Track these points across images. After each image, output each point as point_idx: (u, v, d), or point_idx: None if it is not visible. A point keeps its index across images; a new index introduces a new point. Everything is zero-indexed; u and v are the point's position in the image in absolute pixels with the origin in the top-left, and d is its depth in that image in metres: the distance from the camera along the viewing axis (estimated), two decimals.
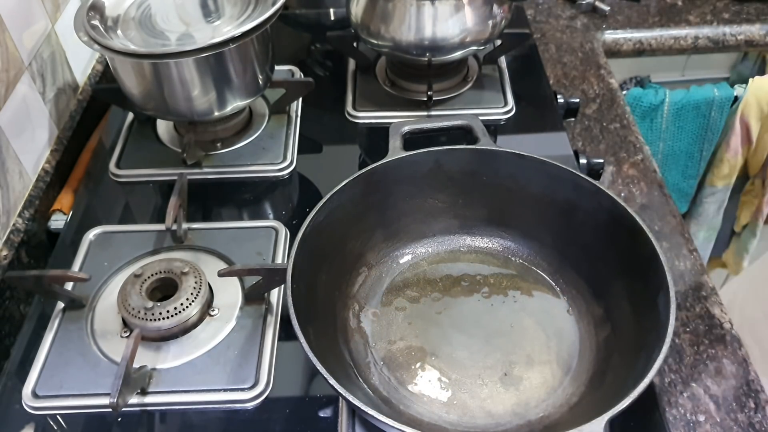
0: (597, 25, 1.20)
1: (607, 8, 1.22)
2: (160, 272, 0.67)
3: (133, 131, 0.91)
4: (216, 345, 0.66)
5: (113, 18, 0.81)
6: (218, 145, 0.88)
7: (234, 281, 0.71)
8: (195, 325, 0.67)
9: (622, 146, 0.95)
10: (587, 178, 0.66)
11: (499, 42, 0.97)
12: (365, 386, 0.62)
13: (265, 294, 0.70)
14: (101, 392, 0.62)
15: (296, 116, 0.93)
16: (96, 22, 0.78)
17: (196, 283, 0.67)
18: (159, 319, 0.64)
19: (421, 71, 0.92)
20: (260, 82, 0.84)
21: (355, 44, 0.98)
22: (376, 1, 0.87)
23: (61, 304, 0.70)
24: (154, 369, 0.64)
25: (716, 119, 1.25)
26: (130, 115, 0.93)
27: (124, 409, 0.61)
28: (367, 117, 0.93)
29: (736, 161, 1.30)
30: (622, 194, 0.88)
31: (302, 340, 0.53)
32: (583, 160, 0.86)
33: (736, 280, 1.20)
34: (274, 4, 0.79)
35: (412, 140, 0.72)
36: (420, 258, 0.74)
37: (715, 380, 0.68)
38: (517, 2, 0.94)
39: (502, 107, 0.94)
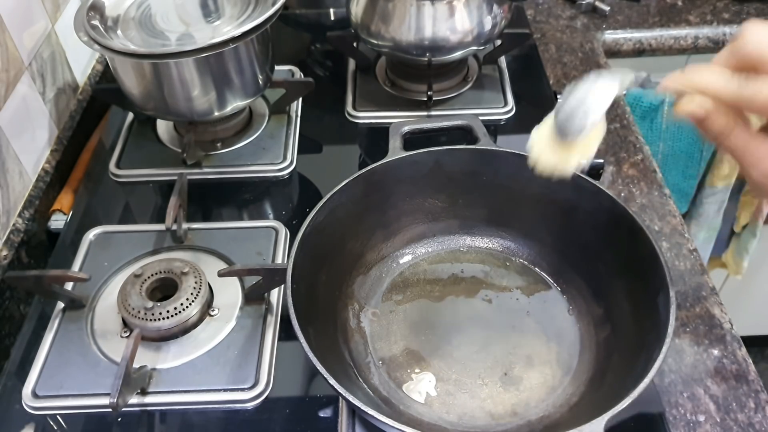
0: (597, 25, 1.20)
1: (607, 8, 1.21)
2: (160, 272, 0.68)
3: (133, 131, 0.91)
4: (216, 345, 0.66)
5: (113, 18, 0.81)
6: (218, 145, 0.88)
7: (234, 281, 0.71)
8: (195, 325, 0.67)
9: (622, 146, 0.95)
10: (587, 178, 0.66)
11: (499, 42, 0.97)
12: (365, 386, 0.62)
13: (265, 294, 0.70)
14: (101, 392, 0.62)
15: (296, 116, 0.93)
16: (96, 22, 0.78)
17: (196, 283, 0.67)
18: (159, 319, 0.64)
19: (421, 71, 0.92)
20: (260, 82, 0.84)
21: (355, 44, 0.98)
22: (376, 1, 0.87)
23: (61, 304, 0.70)
24: (154, 369, 0.64)
25: None
26: (130, 115, 0.93)
27: (124, 409, 0.61)
28: (367, 117, 0.93)
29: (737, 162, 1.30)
30: (622, 194, 0.88)
31: (302, 340, 0.53)
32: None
33: None
34: (274, 4, 0.79)
35: (412, 140, 0.72)
36: (420, 258, 0.74)
37: (715, 380, 0.68)
38: (517, 2, 0.94)
39: (502, 107, 0.94)
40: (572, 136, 0.49)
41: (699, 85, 0.45)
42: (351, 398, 0.50)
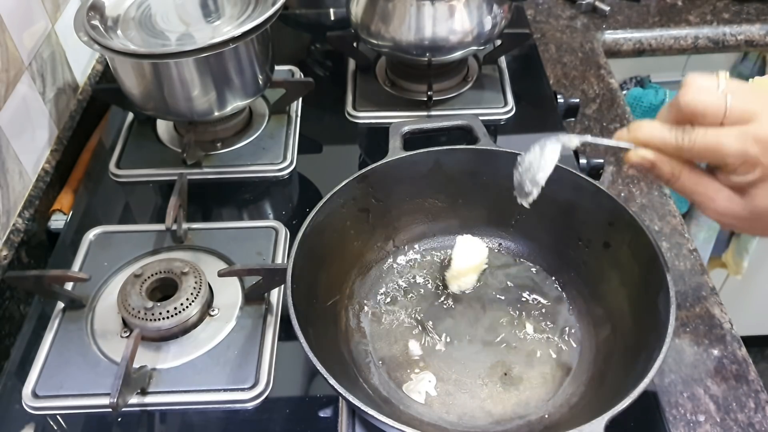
0: (597, 25, 1.20)
1: (607, 8, 1.21)
2: (160, 272, 0.68)
3: (133, 131, 0.91)
4: (216, 345, 0.66)
5: (113, 18, 0.81)
6: (218, 145, 0.88)
7: (234, 281, 0.71)
8: (195, 325, 0.67)
9: None
10: (587, 178, 0.66)
11: (499, 42, 0.97)
12: (365, 386, 0.62)
13: (265, 294, 0.70)
14: (101, 392, 0.62)
15: (296, 116, 0.93)
16: (96, 22, 0.78)
17: (196, 283, 0.67)
18: (159, 319, 0.64)
19: (421, 71, 0.92)
20: (260, 82, 0.84)
21: (355, 44, 0.98)
22: (376, 1, 0.87)
23: (61, 304, 0.70)
24: (154, 369, 0.64)
25: None
26: (130, 115, 0.93)
27: (124, 409, 0.61)
28: (367, 117, 0.93)
29: None
30: (622, 194, 0.88)
31: (302, 340, 0.53)
32: (583, 160, 0.86)
33: None
34: (274, 4, 0.79)
35: (412, 140, 0.72)
36: (420, 258, 0.74)
37: (715, 380, 0.68)
38: (517, 2, 0.94)
39: (502, 107, 0.94)
40: (524, 197, 0.57)
41: (642, 140, 0.51)
42: (351, 398, 0.50)
